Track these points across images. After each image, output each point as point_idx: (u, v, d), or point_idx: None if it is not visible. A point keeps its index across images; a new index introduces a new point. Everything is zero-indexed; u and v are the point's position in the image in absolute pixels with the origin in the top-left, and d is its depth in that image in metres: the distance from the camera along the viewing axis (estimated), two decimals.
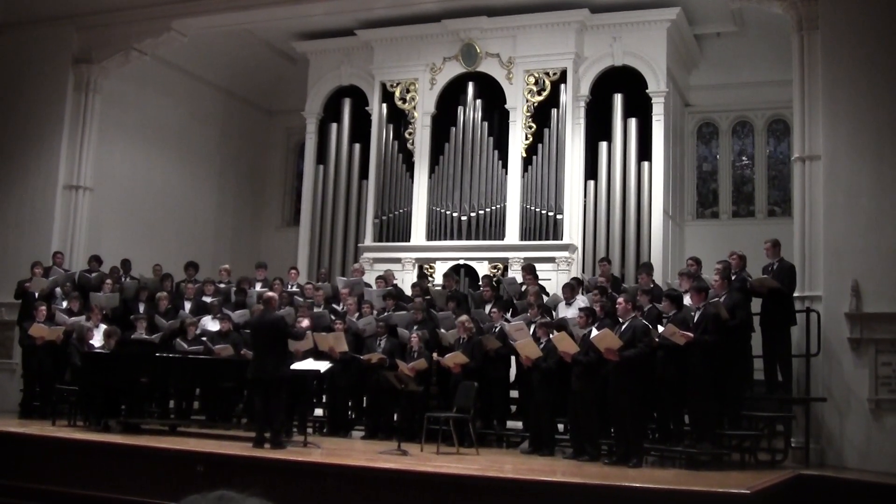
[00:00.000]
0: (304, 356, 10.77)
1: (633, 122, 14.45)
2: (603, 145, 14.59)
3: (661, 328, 9.38)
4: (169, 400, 12.56)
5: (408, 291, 13.33)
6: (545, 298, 11.97)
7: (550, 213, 14.32)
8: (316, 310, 12.63)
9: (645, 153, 14.32)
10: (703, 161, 16.51)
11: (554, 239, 14.28)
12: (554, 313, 11.64)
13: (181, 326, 12.65)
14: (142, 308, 13.17)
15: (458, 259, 14.81)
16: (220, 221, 18.28)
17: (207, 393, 12.38)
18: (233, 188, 18.66)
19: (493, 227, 14.68)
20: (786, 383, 10.16)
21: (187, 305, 13.36)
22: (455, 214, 14.87)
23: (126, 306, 13.26)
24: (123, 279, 13.95)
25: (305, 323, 11.03)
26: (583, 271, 13.93)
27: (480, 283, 13.26)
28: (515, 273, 13.59)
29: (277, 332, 9.87)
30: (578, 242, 14.45)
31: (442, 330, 11.71)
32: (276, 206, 19.32)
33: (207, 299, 13.33)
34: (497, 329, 11.30)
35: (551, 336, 10.10)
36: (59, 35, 15.17)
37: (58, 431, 10.44)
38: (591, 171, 14.68)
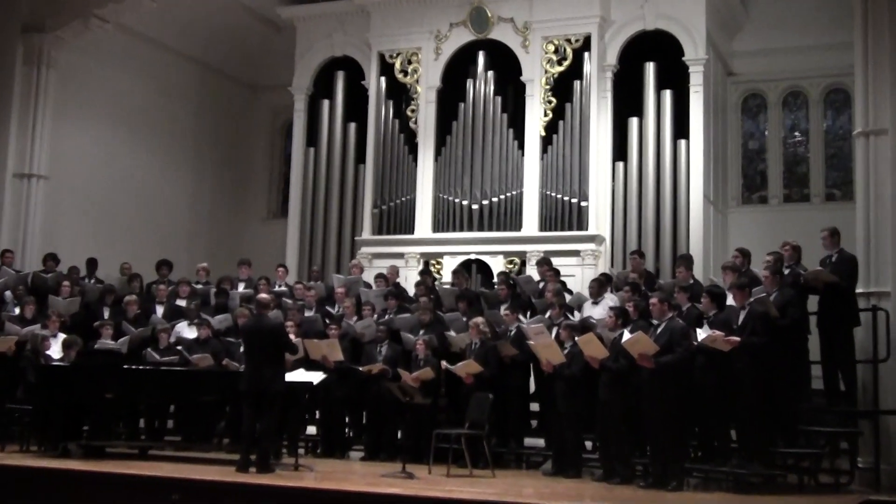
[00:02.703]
0: (293, 366, 10.72)
1: (667, 94, 14.50)
2: (633, 122, 14.64)
3: (699, 332, 9.27)
4: (139, 419, 12.48)
5: (411, 291, 13.28)
6: (567, 297, 11.89)
7: (574, 201, 14.35)
8: (308, 313, 12.60)
9: (682, 130, 14.36)
10: (750, 138, 16.52)
11: (578, 230, 14.32)
12: (578, 314, 11.56)
13: (152, 334, 12.62)
14: (107, 314, 13.13)
15: (468, 254, 14.87)
16: (197, 213, 18.30)
17: (183, 410, 12.37)
18: (211, 175, 18.67)
19: (508, 216, 14.73)
20: (850, 393, 10.06)
21: (159, 310, 13.33)
22: (465, 203, 14.91)
23: (88, 312, 13.22)
24: (86, 280, 13.92)
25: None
26: (612, 266, 13.93)
27: (495, 280, 13.21)
28: (532, 269, 13.55)
29: (276, 342, 9.82)
30: (606, 233, 14.49)
31: (452, 333, 11.65)
32: (260, 195, 19.36)
33: (183, 303, 13.31)
34: (512, 332, 11.22)
35: (576, 339, 10.01)
36: None
37: (7, 458, 10.36)
38: (619, 152, 14.74)
